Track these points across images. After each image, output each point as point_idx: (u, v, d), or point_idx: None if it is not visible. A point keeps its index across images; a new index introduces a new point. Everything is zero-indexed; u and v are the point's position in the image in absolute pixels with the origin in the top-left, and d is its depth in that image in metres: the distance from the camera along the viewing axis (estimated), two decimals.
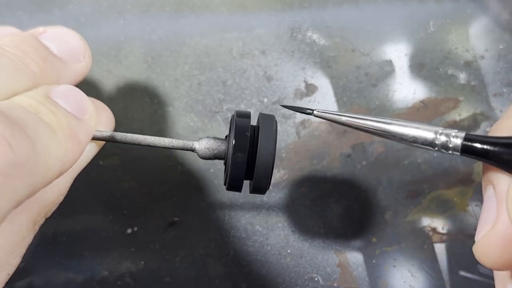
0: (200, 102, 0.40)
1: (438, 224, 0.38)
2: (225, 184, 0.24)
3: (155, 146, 0.24)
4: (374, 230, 0.38)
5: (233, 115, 0.24)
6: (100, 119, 0.23)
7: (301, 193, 0.39)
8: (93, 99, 0.24)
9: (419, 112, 0.40)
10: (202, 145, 0.24)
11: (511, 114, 0.22)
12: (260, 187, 0.24)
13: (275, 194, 0.39)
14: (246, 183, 0.24)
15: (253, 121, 0.24)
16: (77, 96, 0.20)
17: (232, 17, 0.42)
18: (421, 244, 0.38)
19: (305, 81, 0.41)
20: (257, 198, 0.38)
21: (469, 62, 0.42)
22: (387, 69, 0.41)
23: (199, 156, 0.24)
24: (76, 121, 0.19)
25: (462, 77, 0.41)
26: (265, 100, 0.40)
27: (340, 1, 0.43)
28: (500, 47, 0.42)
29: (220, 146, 0.24)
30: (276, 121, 0.24)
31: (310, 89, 0.41)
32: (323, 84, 0.41)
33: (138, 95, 0.40)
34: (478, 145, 0.20)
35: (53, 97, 0.19)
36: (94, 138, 0.22)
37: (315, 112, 0.22)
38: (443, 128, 0.21)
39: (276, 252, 0.38)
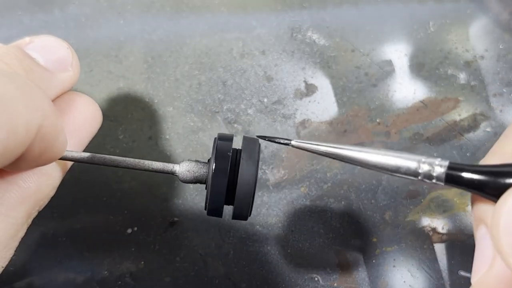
0: (200, 102, 0.40)
1: (438, 224, 0.38)
2: (205, 209, 0.23)
3: (134, 168, 0.23)
4: (374, 230, 0.38)
5: (215, 138, 0.23)
6: (84, 114, 0.23)
7: (301, 193, 0.39)
8: (79, 93, 0.24)
9: (419, 112, 0.40)
10: (183, 168, 0.23)
11: (496, 150, 0.21)
12: (241, 214, 0.23)
13: (275, 194, 0.39)
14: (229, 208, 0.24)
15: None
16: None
17: (232, 17, 0.42)
18: (421, 244, 0.38)
19: (305, 81, 0.41)
20: (257, 198, 0.38)
21: (469, 62, 0.42)
22: (387, 69, 0.41)
23: (180, 180, 0.23)
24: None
25: (462, 77, 0.41)
26: (265, 100, 0.40)
27: (340, 1, 0.43)
28: (500, 47, 0.42)
29: (201, 170, 0.23)
30: (259, 145, 0.23)
31: (310, 89, 0.41)
32: (323, 84, 0.41)
33: (138, 95, 0.40)
34: (462, 174, 0.19)
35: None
36: (71, 159, 0.22)
37: (292, 142, 0.22)
38: (425, 157, 0.20)
39: (276, 252, 0.38)
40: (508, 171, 0.18)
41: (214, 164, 0.22)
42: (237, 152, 0.23)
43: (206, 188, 0.23)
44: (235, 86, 0.40)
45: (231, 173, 0.22)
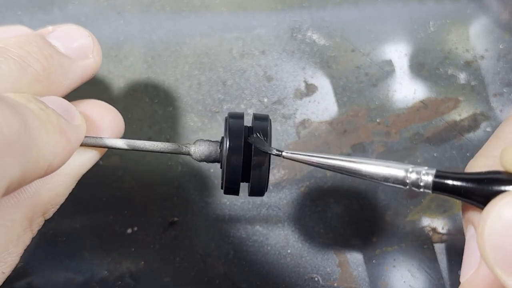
0: (200, 102, 0.40)
1: (438, 224, 0.38)
2: (222, 188, 0.23)
3: (149, 151, 0.23)
4: (374, 230, 0.38)
5: (226, 117, 0.24)
6: (104, 121, 0.23)
7: (301, 193, 0.39)
8: (99, 101, 0.24)
9: (419, 112, 0.40)
10: (197, 148, 0.23)
11: (485, 153, 0.21)
12: (258, 189, 0.23)
13: (275, 194, 0.39)
14: (244, 186, 0.24)
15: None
16: (64, 104, 0.21)
17: (232, 17, 0.42)
18: (421, 244, 0.38)
19: (305, 81, 0.41)
20: (257, 198, 0.38)
21: (469, 62, 0.42)
22: (387, 69, 0.41)
23: (194, 159, 0.23)
24: (66, 123, 0.20)
25: (462, 77, 0.41)
26: (265, 100, 0.40)
27: (340, 1, 0.43)
28: (500, 47, 0.42)
29: (215, 149, 0.23)
30: (270, 120, 0.24)
31: (310, 89, 0.41)
32: (323, 84, 0.41)
33: (138, 95, 0.40)
34: (449, 182, 0.19)
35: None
36: (85, 144, 0.22)
37: (283, 153, 0.22)
38: (413, 166, 0.20)
39: (276, 252, 0.38)
40: (494, 178, 0.18)
41: (228, 143, 0.22)
42: (249, 129, 0.23)
43: (221, 167, 0.23)
44: (235, 86, 0.40)
45: (245, 150, 0.22)
